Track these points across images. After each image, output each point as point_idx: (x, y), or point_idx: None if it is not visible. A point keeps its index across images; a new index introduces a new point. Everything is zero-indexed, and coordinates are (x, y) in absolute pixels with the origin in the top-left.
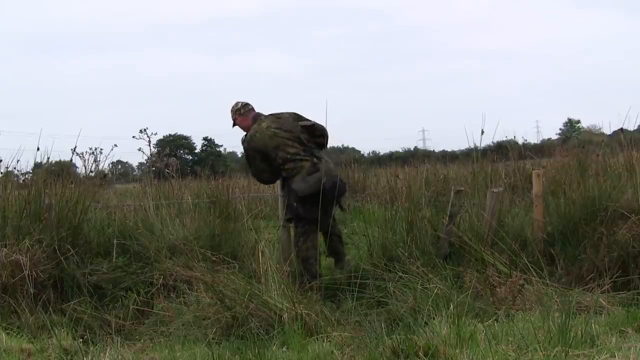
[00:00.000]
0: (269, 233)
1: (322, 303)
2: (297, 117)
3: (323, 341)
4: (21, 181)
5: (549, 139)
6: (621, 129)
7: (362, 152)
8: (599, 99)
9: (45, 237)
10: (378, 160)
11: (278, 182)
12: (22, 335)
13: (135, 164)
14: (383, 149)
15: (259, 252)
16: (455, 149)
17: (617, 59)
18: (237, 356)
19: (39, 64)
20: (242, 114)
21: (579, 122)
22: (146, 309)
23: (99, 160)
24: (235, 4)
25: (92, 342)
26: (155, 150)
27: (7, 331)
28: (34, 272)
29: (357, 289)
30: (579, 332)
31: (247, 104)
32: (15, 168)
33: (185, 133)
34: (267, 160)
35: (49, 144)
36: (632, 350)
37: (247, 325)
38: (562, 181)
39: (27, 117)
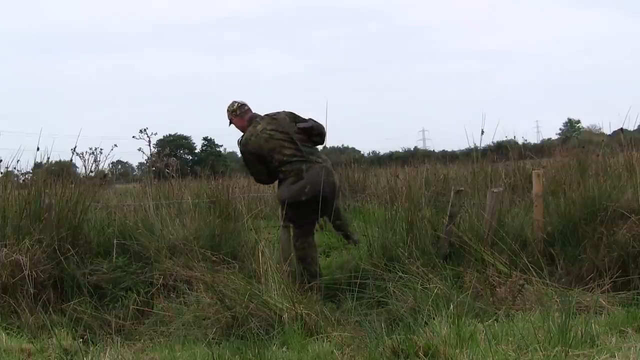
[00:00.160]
0: (269, 233)
1: (322, 303)
2: (293, 117)
3: (323, 341)
4: (21, 181)
5: (549, 139)
6: (621, 129)
7: (362, 152)
8: (599, 99)
9: (45, 237)
10: (378, 160)
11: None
12: (22, 335)
13: (135, 164)
14: (383, 149)
15: (259, 252)
16: (455, 149)
17: (617, 59)
18: (237, 356)
19: (39, 64)
20: (238, 115)
21: (579, 122)
22: (146, 309)
23: (99, 160)
24: (235, 4)
25: (92, 342)
26: (155, 150)
27: (7, 331)
28: (34, 272)
29: (357, 289)
30: (579, 332)
31: (242, 105)
32: (15, 168)
33: (185, 133)
34: (264, 162)
35: (49, 144)
36: (632, 350)
37: (247, 325)
38: (562, 181)
39: (27, 117)
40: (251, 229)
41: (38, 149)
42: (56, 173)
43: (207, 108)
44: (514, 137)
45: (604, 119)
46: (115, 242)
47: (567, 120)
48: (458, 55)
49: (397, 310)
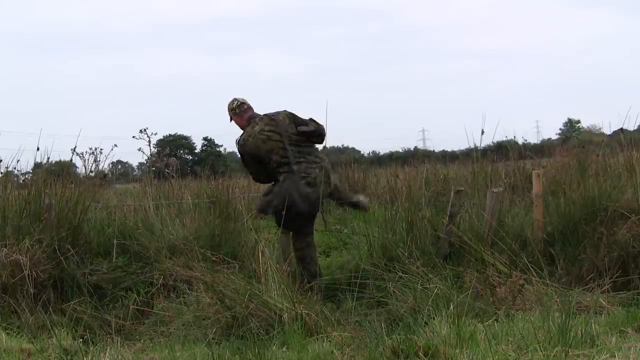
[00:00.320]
0: (269, 233)
1: (322, 303)
2: (293, 118)
3: (323, 341)
4: (21, 181)
5: (549, 139)
6: (621, 129)
7: (362, 152)
8: (599, 99)
9: (45, 237)
10: (378, 160)
11: None
12: (22, 335)
13: (135, 164)
14: (383, 149)
15: (259, 252)
16: (455, 149)
17: (617, 59)
18: (237, 356)
19: (39, 64)
20: (237, 113)
21: (579, 122)
22: (146, 309)
23: (99, 160)
24: (235, 4)
25: (92, 342)
26: (155, 150)
27: (7, 331)
28: (34, 272)
29: (357, 289)
30: (579, 332)
31: (242, 104)
32: (15, 168)
33: (185, 133)
34: (262, 163)
35: (49, 144)
36: (632, 350)
37: (247, 325)
38: (562, 181)
39: (27, 117)
40: (251, 229)
41: (38, 149)
42: (56, 173)
43: (207, 108)
44: (514, 137)
45: (604, 119)
46: (115, 242)
47: (567, 120)
48: (458, 55)
49: (397, 310)
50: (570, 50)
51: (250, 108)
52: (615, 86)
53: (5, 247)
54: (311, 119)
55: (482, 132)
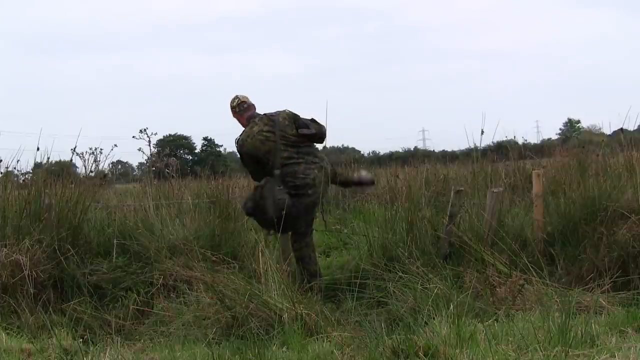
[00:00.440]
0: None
1: (322, 303)
2: (293, 119)
3: (323, 341)
4: (21, 181)
5: (549, 139)
6: (621, 129)
7: (362, 152)
8: (599, 99)
9: (45, 237)
10: (378, 160)
11: None
12: (22, 335)
13: (135, 164)
14: (383, 149)
15: (259, 252)
16: (455, 149)
17: (617, 59)
18: (237, 356)
19: (39, 64)
20: (238, 112)
21: (579, 122)
22: (146, 309)
23: (99, 160)
24: (235, 4)
25: (92, 342)
26: (155, 150)
27: (7, 331)
28: (34, 272)
29: (357, 289)
30: (579, 332)
31: (242, 102)
32: (15, 168)
33: (185, 133)
34: (261, 163)
35: (49, 144)
36: (632, 350)
37: (247, 325)
38: (562, 181)
39: (27, 117)
40: (251, 229)
41: (38, 149)
42: (56, 173)
43: (207, 108)
44: (514, 137)
45: (604, 119)
46: (115, 242)
47: (567, 120)
48: (458, 55)
49: (397, 310)
50: (570, 50)
51: (250, 107)
52: (615, 86)
53: (5, 247)
54: (313, 120)
55: (482, 132)
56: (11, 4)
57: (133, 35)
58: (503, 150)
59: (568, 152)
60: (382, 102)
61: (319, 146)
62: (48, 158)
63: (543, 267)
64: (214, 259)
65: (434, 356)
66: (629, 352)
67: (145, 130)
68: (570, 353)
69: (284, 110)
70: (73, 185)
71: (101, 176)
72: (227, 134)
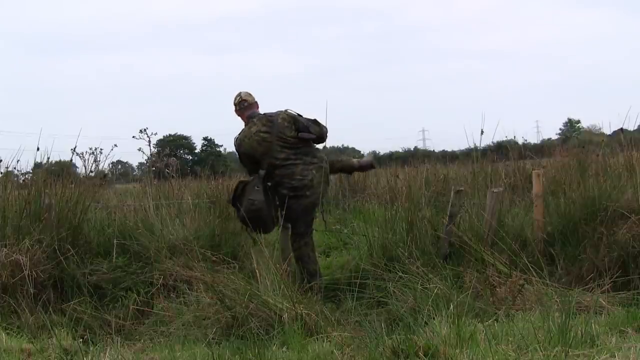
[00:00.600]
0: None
1: (322, 303)
2: (293, 120)
3: (323, 341)
4: (21, 181)
5: (549, 139)
6: (621, 129)
7: (362, 152)
8: (599, 99)
9: (45, 237)
10: (378, 160)
11: None
12: (22, 335)
13: (135, 164)
14: (383, 149)
15: (250, 251)
16: (455, 149)
17: (617, 59)
18: (237, 356)
19: (39, 64)
20: (239, 109)
21: (579, 122)
22: (146, 309)
23: (99, 160)
24: (235, 4)
25: (92, 342)
26: (155, 150)
27: (7, 331)
28: (34, 272)
29: (357, 289)
30: (579, 332)
31: (244, 101)
32: (15, 168)
33: (185, 133)
34: (259, 164)
35: (49, 144)
36: (632, 350)
37: (247, 325)
38: (562, 181)
39: (27, 117)
40: None
41: (38, 149)
42: (56, 173)
43: (207, 108)
44: (514, 137)
45: (604, 119)
46: (115, 242)
47: (567, 120)
48: (458, 55)
49: (397, 310)
50: (570, 50)
51: (251, 105)
52: (615, 86)
53: (5, 247)
54: (315, 120)
55: (482, 132)
56: (11, 4)
57: (133, 35)
58: (503, 150)
59: (568, 152)
60: (382, 102)
61: (319, 146)
62: (48, 158)
63: (543, 267)
64: (214, 259)
65: (434, 356)
66: (629, 352)
67: (145, 130)
68: (570, 353)
69: (284, 111)
70: (73, 185)
71: (101, 176)
72: (227, 134)
